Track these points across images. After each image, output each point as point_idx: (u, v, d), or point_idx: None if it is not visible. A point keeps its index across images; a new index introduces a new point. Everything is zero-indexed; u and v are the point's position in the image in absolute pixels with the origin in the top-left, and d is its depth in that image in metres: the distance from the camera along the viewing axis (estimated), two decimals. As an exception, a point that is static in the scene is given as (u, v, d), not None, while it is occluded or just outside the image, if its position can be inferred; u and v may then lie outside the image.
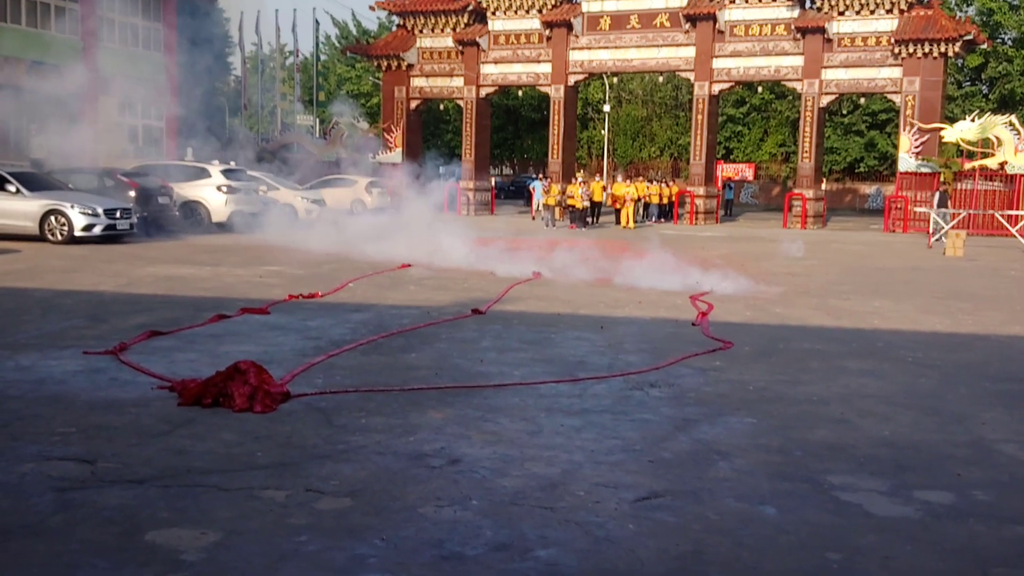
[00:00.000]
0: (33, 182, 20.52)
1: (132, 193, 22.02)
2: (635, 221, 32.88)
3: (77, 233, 19.43)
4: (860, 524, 4.78)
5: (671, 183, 42.10)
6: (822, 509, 4.96)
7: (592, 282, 14.60)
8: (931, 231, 26.80)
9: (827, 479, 5.43)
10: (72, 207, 19.57)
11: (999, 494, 5.26)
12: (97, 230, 19.68)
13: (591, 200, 32.37)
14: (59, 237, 19.44)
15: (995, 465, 5.80)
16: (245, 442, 5.87)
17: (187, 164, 26.13)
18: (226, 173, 25.01)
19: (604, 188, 34.35)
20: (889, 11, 32.78)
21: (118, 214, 20.22)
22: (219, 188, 24.35)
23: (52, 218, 19.53)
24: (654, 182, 39.69)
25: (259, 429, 6.15)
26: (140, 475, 5.21)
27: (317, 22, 53.99)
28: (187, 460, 5.49)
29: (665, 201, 37.73)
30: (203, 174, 24.85)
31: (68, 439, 5.86)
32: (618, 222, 32.93)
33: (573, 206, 31.70)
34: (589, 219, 32.56)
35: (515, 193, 52.97)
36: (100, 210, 19.82)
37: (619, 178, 37.76)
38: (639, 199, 34.33)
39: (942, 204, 27.44)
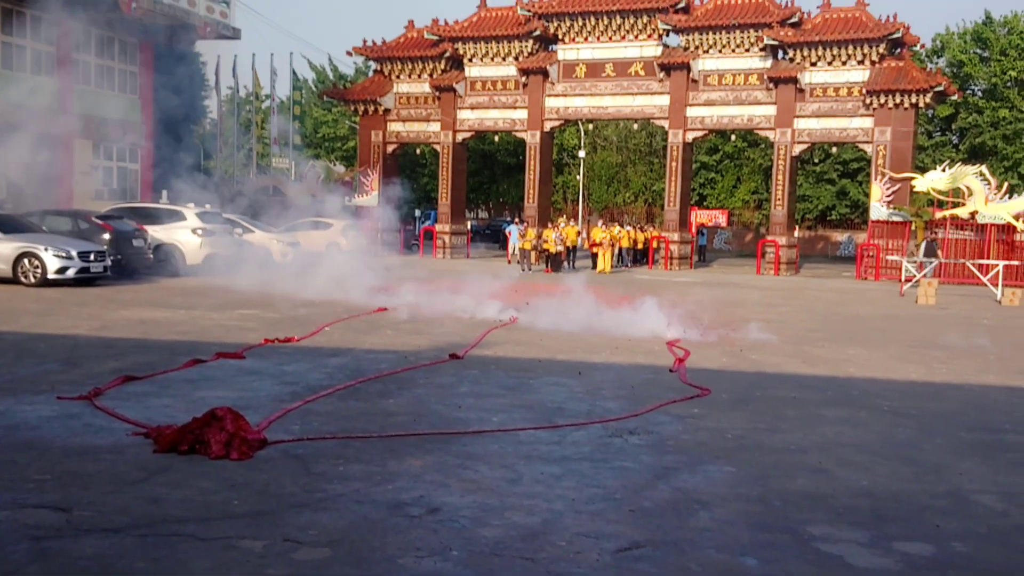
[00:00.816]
0: (6, 224, 20.36)
1: (106, 236, 21.88)
2: (611, 266, 33.02)
3: (50, 276, 19.27)
4: None
5: (645, 228, 42.35)
6: (803, 560, 4.97)
7: (569, 326, 14.57)
8: (903, 279, 27.03)
9: (807, 530, 5.44)
10: (46, 249, 19.43)
11: (978, 546, 5.28)
12: (71, 273, 19.54)
13: (565, 245, 32.50)
14: (32, 280, 19.27)
15: (973, 516, 5.82)
16: (222, 490, 5.81)
17: (162, 207, 26.03)
18: (201, 216, 24.94)
19: (579, 233, 34.49)
20: (861, 62, 33.31)
21: (92, 257, 20.09)
22: (194, 231, 24.26)
23: (25, 260, 19.37)
24: (624, 227, 39.94)
25: (236, 477, 6.10)
26: (116, 524, 5.15)
27: (294, 72, 54.33)
28: (164, 508, 5.43)
29: (640, 246, 37.94)
30: (178, 217, 24.76)
31: (43, 486, 5.78)
32: (595, 267, 33.03)
33: (548, 250, 31.81)
34: (564, 263, 32.66)
35: (491, 237, 53.06)
36: (74, 253, 19.69)
37: (599, 223, 37.92)
38: (614, 244, 34.48)
39: (930, 253, 27.61)
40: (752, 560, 4.94)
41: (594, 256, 33.77)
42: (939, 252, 28.82)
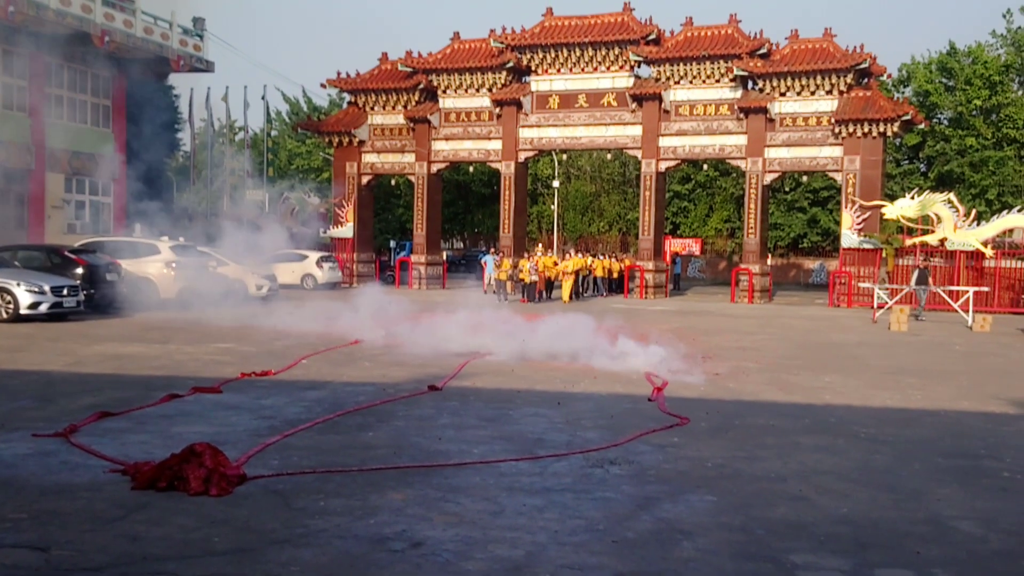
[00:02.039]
0: (-22, 259, 20.20)
1: (79, 270, 21.74)
2: (575, 295, 32.96)
3: (23, 311, 19.10)
4: (825, 604, 4.79)
5: (619, 257, 42.51)
6: (787, 589, 4.98)
7: (548, 356, 14.54)
8: (875, 306, 27.24)
9: (789, 558, 5.46)
10: (18, 285, 19.27)
11: (958, 572, 5.32)
12: (44, 308, 19.38)
13: (541, 275, 32.52)
14: (4, 315, 19.09)
15: (952, 542, 5.86)
16: (202, 527, 5.76)
17: (136, 240, 25.88)
18: (175, 249, 24.83)
19: (555, 263, 34.53)
20: (829, 92, 33.72)
21: (65, 291, 19.94)
22: (168, 264, 24.14)
23: (-3, 295, 19.20)
24: (599, 256, 40.04)
25: (216, 513, 6.05)
26: (95, 563, 5.10)
27: (267, 103, 54.34)
28: (143, 547, 5.38)
29: (615, 275, 38.03)
30: (152, 250, 24.65)
31: (20, 525, 5.72)
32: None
33: (523, 280, 31.84)
34: (542, 293, 32.67)
35: (466, 267, 53.13)
36: (47, 287, 19.54)
37: (571, 252, 38.02)
38: (578, 272, 34.42)
39: (922, 281, 27.74)
40: (736, 590, 4.95)
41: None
42: (930, 280, 28.89)
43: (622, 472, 7.44)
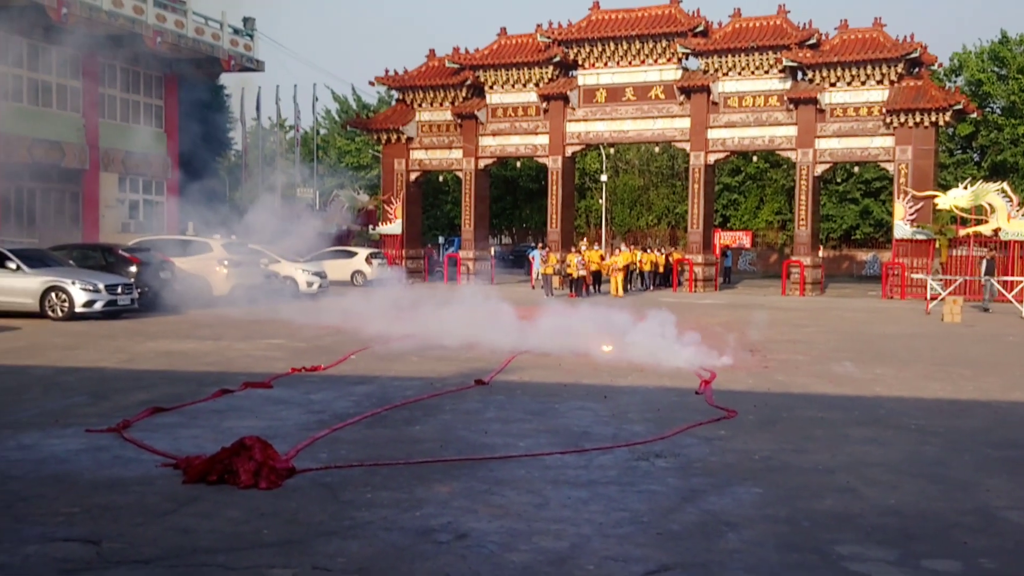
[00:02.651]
0: (33, 259, 20.59)
1: (133, 268, 22.10)
2: (625, 289, 32.84)
3: (78, 309, 19.45)
4: (871, 595, 4.76)
5: (666, 250, 42.31)
6: (832, 581, 4.95)
7: (593, 350, 14.47)
8: (928, 297, 26.84)
9: (835, 549, 5.42)
10: (73, 283, 19.62)
11: (1005, 562, 5.25)
12: (98, 306, 19.72)
13: (589, 269, 32.47)
14: (60, 314, 19.46)
15: (1000, 533, 5.79)
16: (251, 519, 5.85)
17: (188, 238, 26.26)
18: (227, 247, 25.14)
19: (602, 257, 34.45)
20: (880, 82, 33.29)
21: (119, 290, 20.28)
22: (220, 262, 24.45)
23: (53, 295, 19.56)
24: (647, 250, 39.87)
25: (265, 506, 6.14)
26: (146, 555, 5.19)
27: (316, 99, 54.76)
28: (193, 539, 5.48)
29: (662, 269, 37.82)
30: (204, 248, 24.98)
31: (72, 519, 5.84)
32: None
33: (570, 275, 31.82)
34: (590, 287, 32.61)
35: (514, 262, 53.17)
36: (101, 286, 19.88)
37: (621, 247, 37.88)
38: (627, 267, 34.26)
39: (990, 272, 27.18)
40: (781, 581, 4.93)
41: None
42: (995, 271, 28.25)
43: (668, 465, 7.42)
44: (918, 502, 6.46)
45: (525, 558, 5.20)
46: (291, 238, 28.24)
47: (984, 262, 27.85)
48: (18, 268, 19.91)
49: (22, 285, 19.70)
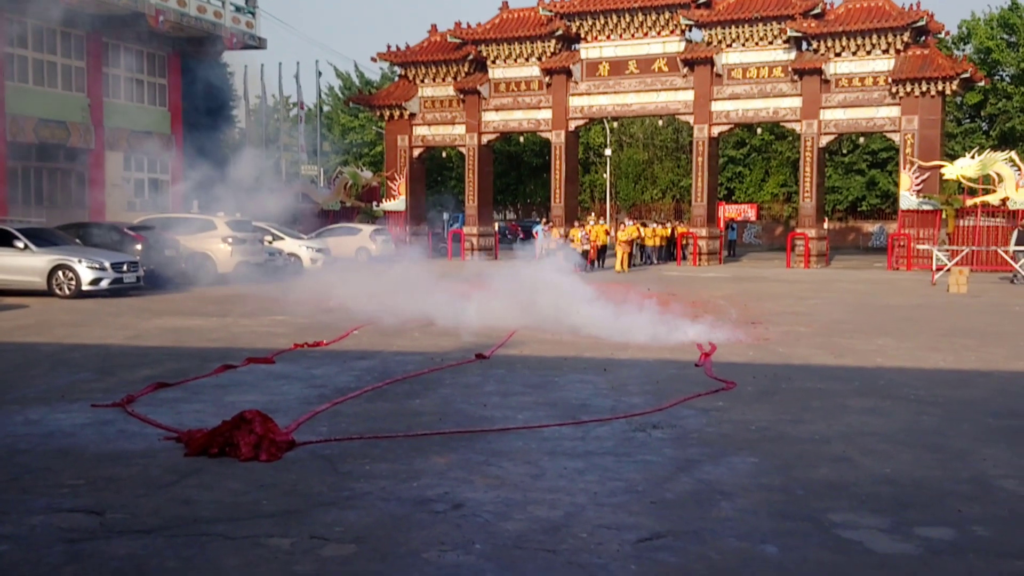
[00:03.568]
0: (40, 237, 20.70)
1: (138, 246, 22.19)
2: (630, 264, 32.80)
3: (85, 287, 19.57)
4: (861, 561, 4.82)
5: (671, 224, 42.26)
6: (823, 547, 5.01)
7: (593, 325, 14.33)
8: (934, 268, 26.80)
9: (828, 517, 5.48)
10: (80, 262, 19.74)
11: (999, 529, 5.30)
12: (104, 284, 19.84)
13: (594, 244, 32.47)
14: (67, 291, 19.58)
15: (995, 501, 5.84)
16: (251, 491, 5.93)
17: (193, 216, 26.32)
18: (231, 224, 25.19)
19: (607, 231, 34.45)
20: (885, 51, 33.11)
21: (125, 268, 20.38)
22: (224, 240, 24.52)
23: (60, 273, 19.69)
24: (648, 224, 39.78)
25: (265, 478, 6.22)
26: (148, 525, 5.28)
27: (320, 73, 54.66)
28: (194, 509, 5.56)
29: (661, 243, 37.69)
30: (209, 226, 25.03)
31: (77, 491, 5.93)
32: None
33: (575, 249, 31.82)
34: (593, 261, 32.61)
35: (518, 237, 53.21)
36: (107, 264, 19.99)
37: (626, 221, 37.84)
38: (633, 242, 34.20)
39: (1021, 242, 26.95)
40: (772, 547, 5.00)
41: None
42: None
43: (664, 436, 7.48)
44: (913, 471, 6.51)
45: (519, 527, 5.27)
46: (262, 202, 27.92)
47: (1016, 232, 27.59)
48: (25, 247, 20.02)
49: (30, 264, 19.83)
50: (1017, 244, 26.81)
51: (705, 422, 7.97)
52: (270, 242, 26.68)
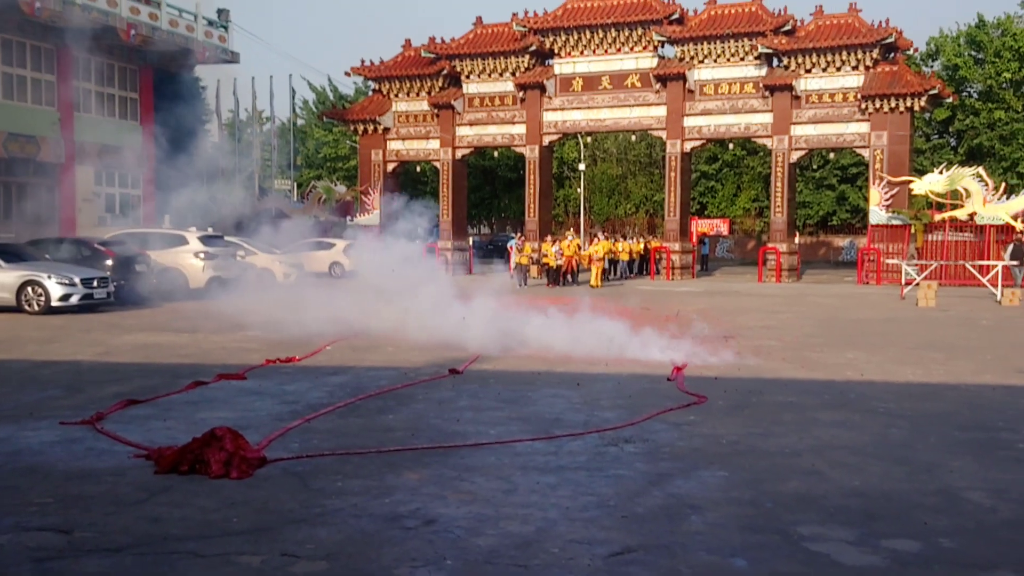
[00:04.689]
0: (9, 253, 20.53)
1: (109, 262, 22.04)
2: (602, 280, 32.62)
3: (54, 303, 19.41)
4: (827, 573, 4.87)
5: (644, 239, 42.40)
6: (791, 560, 5.05)
7: (564, 342, 14.30)
8: (903, 282, 27.05)
9: (797, 530, 5.52)
10: (49, 277, 19.57)
11: (965, 541, 5.36)
12: (74, 300, 19.68)
13: (569, 259, 32.49)
14: (36, 308, 19.41)
15: (961, 513, 5.90)
16: (221, 508, 5.91)
17: (164, 231, 26.19)
18: (204, 239, 25.08)
19: (579, 247, 34.49)
20: (855, 68, 33.48)
21: (95, 283, 20.23)
22: (196, 255, 24.41)
23: (29, 289, 19.52)
24: (623, 239, 39.86)
25: (235, 495, 6.19)
26: (117, 543, 5.25)
27: (293, 90, 54.60)
28: (164, 527, 5.53)
29: (627, 257, 37.69)
30: (180, 241, 24.91)
31: (45, 509, 5.89)
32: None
33: (548, 264, 31.86)
34: (567, 277, 32.63)
35: (494, 252, 53.20)
36: (77, 280, 19.83)
37: (599, 236, 37.90)
38: (604, 257, 34.07)
39: (1016, 257, 26.99)
40: (741, 561, 5.03)
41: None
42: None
43: (636, 450, 7.52)
44: (882, 484, 6.58)
45: (491, 542, 5.28)
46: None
47: (1010, 246, 27.66)
48: (-7, 262, 19.83)
49: (-2, 279, 19.65)
50: (1012, 258, 26.99)
51: (677, 436, 8.01)
52: (242, 257, 26.55)
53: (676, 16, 35.39)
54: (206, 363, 12.44)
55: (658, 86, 35.91)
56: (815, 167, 53.87)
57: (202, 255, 24.43)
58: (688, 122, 35.76)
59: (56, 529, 5.50)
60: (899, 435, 8.14)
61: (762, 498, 6.18)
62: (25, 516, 5.74)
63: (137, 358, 13.06)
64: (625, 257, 37.10)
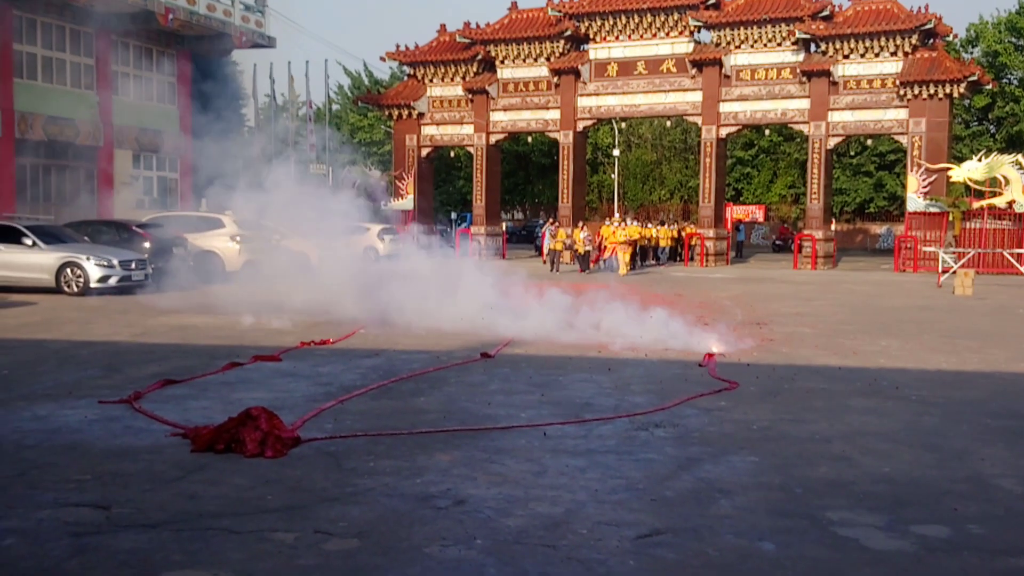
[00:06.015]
0: (49, 235, 20.83)
1: (147, 244, 22.31)
2: (629, 267, 32.15)
3: (93, 285, 19.69)
4: (856, 558, 4.88)
5: (679, 224, 42.24)
6: (820, 544, 5.07)
7: (594, 327, 14.30)
8: (940, 270, 26.80)
9: (826, 515, 5.54)
10: (88, 259, 19.85)
11: (994, 527, 5.36)
12: (112, 281, 19.95)
13: (601, 245, 32.44)
14: (75, 289, 19.70)
15: (991, 499, 5.89)
16: (256, 486, 6.00)
17: (201, 215, 26.40)
18: (239, 223, 25.25)
19: (612, 232, 34.32)
20: (894, 54, 33.11)
21: (133, 265, 20.50)
22: (233, 238, 24.61)
23: (68, 270, 19.81)
24: (664, 224, 39.76)
25: (270, 473, 6.29)
26: (154, 520, 5.35)
27: (328, 75, 54.77)
28: (199, 504, 5.64)
29: (662, 243, 37.51)
30: (217, 224, 25.12)
31: (83, 486, 6.01)
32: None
33: (578, 250, 31.81)
34: (598, 262, 32.57)
35: (526, 238, 53.25)
36: (115, 262, 20.10)
37: (627, 221, 37.71)
38: (635, 242, 33.69)
39: None
40: (770, 544, 5.06)
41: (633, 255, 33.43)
42: None
43: (666, 435, 7.54)
44: (912, 470, 6.57)
45: (520, 523, 5.34)
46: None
47: None
48: (34, 244, 20.16)
49: (38, 261, 19.97)
50: None
51: (707, 421, 8.03)
52: (278, 240, 26.72)
53: (713, 1, 35.15)
54: (242, 344, 12.58)
55: (694, 71, 35.71)
56: (852, 154, 53.40)
57: (238, 238, 24.63)
58: (724, 108, 35.54)
59: (94, 505, 5.61)
60: (931, 422, 8.11)
61: (791, 483, 6.20)
62: (64, 492, 5.87)
63: (174, 339, 13.23)
64: (664, 243, 36.94)
